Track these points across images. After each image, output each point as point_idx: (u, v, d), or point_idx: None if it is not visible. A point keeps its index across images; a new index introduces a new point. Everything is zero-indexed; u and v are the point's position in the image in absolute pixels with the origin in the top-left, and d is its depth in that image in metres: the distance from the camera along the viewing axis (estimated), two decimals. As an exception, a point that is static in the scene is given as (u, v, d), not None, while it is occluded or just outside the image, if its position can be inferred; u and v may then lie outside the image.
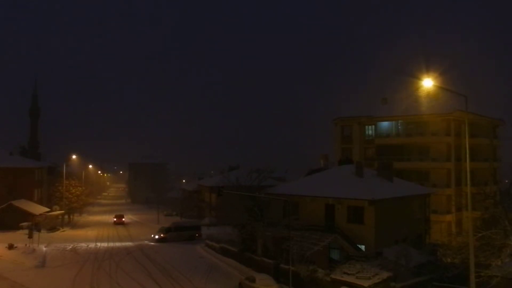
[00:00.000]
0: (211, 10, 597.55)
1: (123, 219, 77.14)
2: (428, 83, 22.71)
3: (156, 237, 55.38)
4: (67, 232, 64.97)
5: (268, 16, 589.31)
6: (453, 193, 51.94)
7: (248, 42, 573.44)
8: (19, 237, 51.67)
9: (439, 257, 33.29)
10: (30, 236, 46.25)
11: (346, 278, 28.20)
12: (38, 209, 65.92)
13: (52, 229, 63.26)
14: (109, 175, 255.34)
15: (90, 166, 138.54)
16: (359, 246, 34.48)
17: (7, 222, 59.41)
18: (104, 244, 51.68)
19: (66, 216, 76.78)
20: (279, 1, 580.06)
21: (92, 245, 50.82)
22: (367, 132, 60.41)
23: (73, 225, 74.58)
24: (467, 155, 23.49)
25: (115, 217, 78.79)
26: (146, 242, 54.75)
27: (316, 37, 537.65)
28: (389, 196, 36.97)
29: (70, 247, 47.48)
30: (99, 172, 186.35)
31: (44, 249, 42.89)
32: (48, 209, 68.93)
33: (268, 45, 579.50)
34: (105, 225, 74.96)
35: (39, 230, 52.25)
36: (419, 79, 22.94)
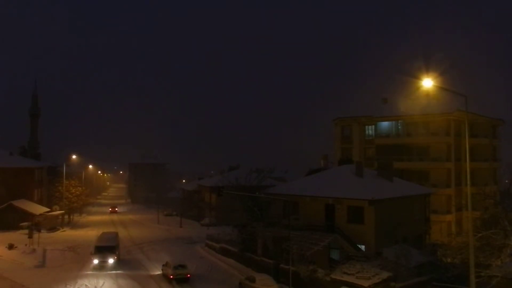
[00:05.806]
0: (211, 7, 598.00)
1: (116, 209, 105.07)
2: (428, 83, 22.71)
3: (111, 260, 37.59)
4: (67, 232, 64.89)
5: (268, 17, 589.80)
6: (453, 193, 51.90)
7: (248, 42, 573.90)
8: (19, 237, 51.63)
9: (439, 257, 33.30)
10: (30, 236, 46.22)
11: (346, 278, 28.23)
12: (38, 209, 65.85)
13: (52, 229, 63.19)
14: (109, 175, 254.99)
15: (90, 166, 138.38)
16: (359, 246, 34.47)
17: (7, 222, 59.41)
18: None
19: (66, 216, 76.77)
20: (279, 1, 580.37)
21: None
22: (367, 132, 60.29)
23: (73, 225, 74.50)
24: (467, 155, 23.50)
25: (110, 207, 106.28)
26: (85, 273, 36.21)
27: (316, 38, 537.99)
28: (389, 196, 36.94)
29: None
30: (99, 172, 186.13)
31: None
32: (48, 209, 68.83)
33: (268, 45, 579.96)
34: (105, 225, 74.94)
35: (39, 230, 52.14)
36: (419, 79, 22.94)
